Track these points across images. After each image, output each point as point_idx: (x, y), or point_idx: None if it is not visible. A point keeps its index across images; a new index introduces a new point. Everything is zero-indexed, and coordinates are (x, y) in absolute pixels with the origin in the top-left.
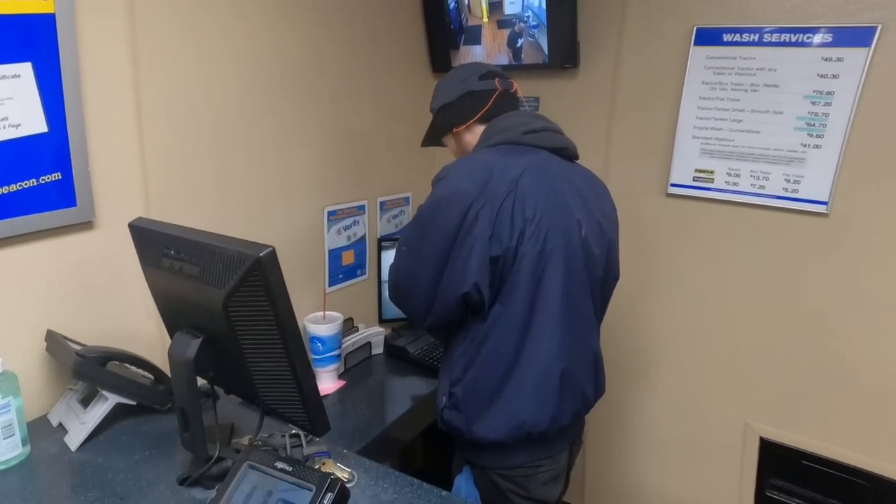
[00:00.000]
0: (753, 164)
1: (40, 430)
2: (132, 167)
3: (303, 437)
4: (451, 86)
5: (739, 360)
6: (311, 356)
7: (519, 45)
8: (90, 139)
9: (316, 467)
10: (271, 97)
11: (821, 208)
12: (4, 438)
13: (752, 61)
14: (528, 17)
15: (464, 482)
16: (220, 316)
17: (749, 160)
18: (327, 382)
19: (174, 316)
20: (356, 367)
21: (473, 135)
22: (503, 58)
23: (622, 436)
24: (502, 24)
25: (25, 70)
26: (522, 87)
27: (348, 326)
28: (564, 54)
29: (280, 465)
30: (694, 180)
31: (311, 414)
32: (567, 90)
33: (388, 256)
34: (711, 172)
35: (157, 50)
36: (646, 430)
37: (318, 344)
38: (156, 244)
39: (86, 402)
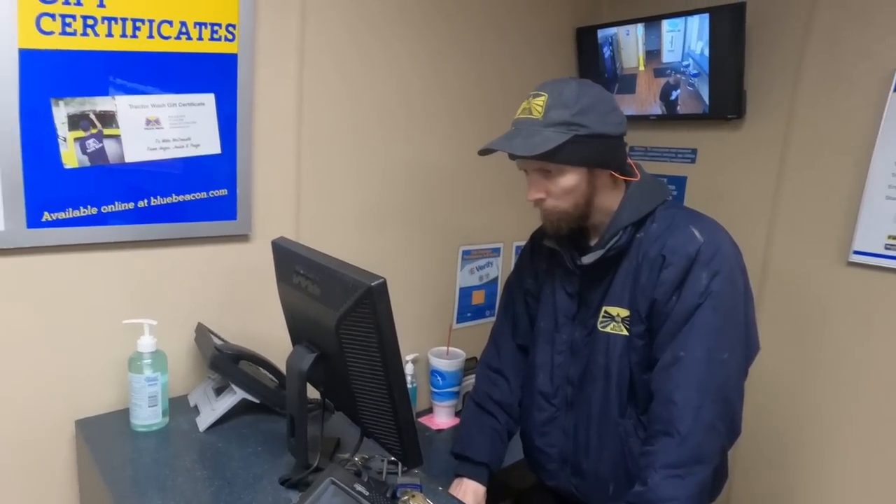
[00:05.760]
0: None
1: (179, 408)
2: (288, 191)
3: (400, 466)
4: (611, 116)
5: None
6: (431, 389)
7: (674, 96)
8: (255, 163)
9: (404, 498)
10: (418, 138)
11: None
12: (149, 406)
13: None
14: (688, 65)
15: None
16: (333, 336)
17: None
18: (443, 417)
19: (297, 329)
20: None
21: (603, 181)
22: (656, 107)
23: None
24: (659, 72)
25: (209, 100)
26: (678, 137)
27: (471, 365)
28: (728, 104)
29: (359, 487)
30: (886, 248)
31: (405, 444)
32: (729, 142)
33: None
34: None
35: (320, 90)
36: None
37: (439, 378)
38: (289, 262)
39: (219, 391)
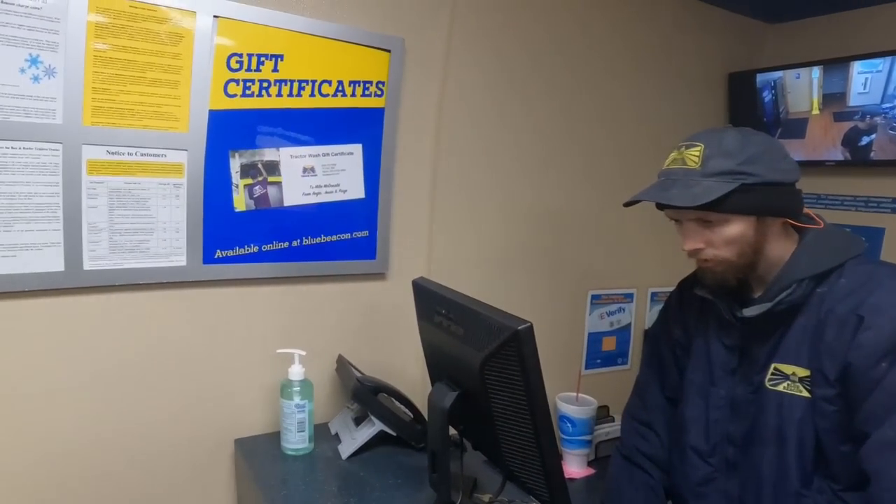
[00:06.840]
0: None
1: (321, 434)
2: (421, 234)
3: None
4: (783, 163)
5: None
6: (560, 435)
7: (865, 141)
8: (394, 207)
9: None
10: (551, 181)
11: None
12: (298, 432)
13: None
14: (892, 108)
15: None
16: (477, 376)
17: None
18: (575, 466)
19: (437, 366)
20: (608, 458)
21: (775, 232)
22: (836, 153)
23: None
24: (841, 116)
25: (357, 150)
26: (869, 185)
27: (602, 414)
28: None
29: None
30: None
31: (553, 491)
32: None
33: None
34: None
35: (455, 140)
36: None
37: (568, 424)
38: (431, 302)
39: (358, 421)
